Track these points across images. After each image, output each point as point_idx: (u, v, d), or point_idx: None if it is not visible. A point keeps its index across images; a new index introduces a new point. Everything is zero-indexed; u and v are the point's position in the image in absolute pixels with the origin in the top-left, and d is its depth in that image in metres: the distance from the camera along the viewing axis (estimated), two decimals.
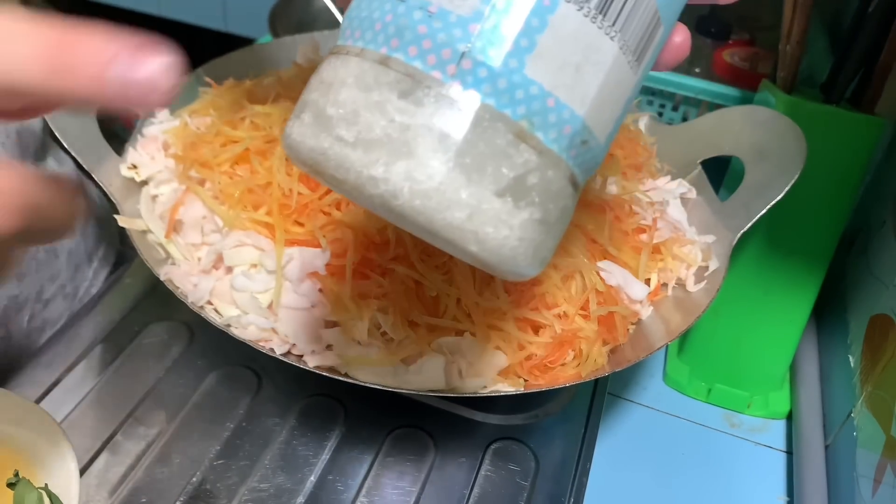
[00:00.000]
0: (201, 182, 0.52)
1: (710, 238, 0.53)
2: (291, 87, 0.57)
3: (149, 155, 0.55)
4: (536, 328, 0.46)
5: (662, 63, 0.31)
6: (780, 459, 0.59)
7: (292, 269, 0.46)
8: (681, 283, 0.53)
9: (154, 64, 0.23)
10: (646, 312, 0.51)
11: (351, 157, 0.25)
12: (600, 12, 0.26)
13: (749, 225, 0.50)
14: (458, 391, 0.45)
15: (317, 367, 0.44)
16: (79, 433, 0.52)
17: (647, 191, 0.57)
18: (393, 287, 0.46)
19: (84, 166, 0.49)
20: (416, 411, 0.56)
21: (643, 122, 0.64)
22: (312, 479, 0.51)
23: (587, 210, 0.52)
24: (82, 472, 0.49)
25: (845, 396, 0.55)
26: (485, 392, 0.45)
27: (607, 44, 0.26)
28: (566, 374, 0.46)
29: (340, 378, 0.44)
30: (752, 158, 0.53)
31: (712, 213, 0.55)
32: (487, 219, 0.25)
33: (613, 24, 0.26)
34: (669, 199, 0.57)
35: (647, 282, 0.52)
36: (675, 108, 0.76)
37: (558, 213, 0.27)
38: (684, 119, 0.76)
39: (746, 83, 0.72)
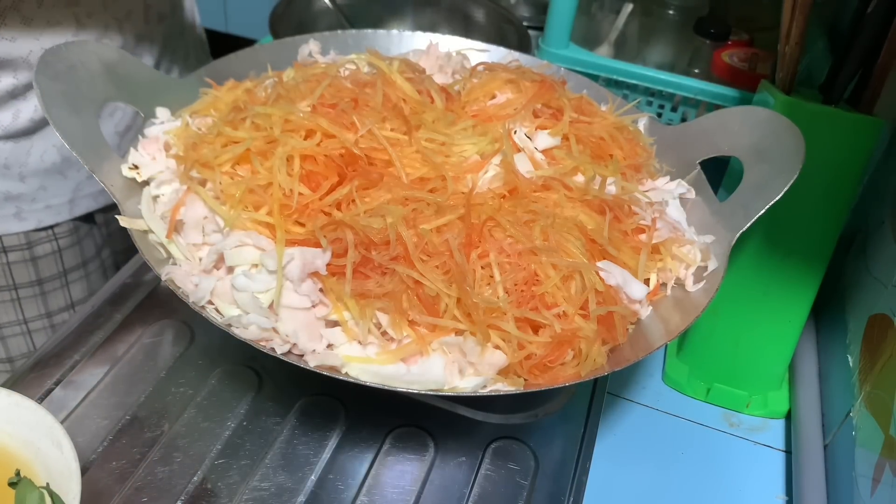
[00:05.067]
0: (202, 182, 0.52)
1: (708, 238, 0.53)
2: (292, 88, 0.57)
3: (150, 155, 0.55)
4: (536, 328, 0.46)
5: None
6: (779, 459, 0.59)
7: (293, 269, 0.46)
8: (680, 283, 0.53)
9: None
10: (645, 312, 0.51)
11: None
12: None
13: (748, 225, 0.50)
14: (458, 391, 0.45)
15: (317, 367, 0.44)
16: (80, 433, 0.52)
17: (647, 191, 0.57)
18: (393, 287, 0.46)
19: (86, 166, 0.49)
20: (416, 411, 0.56)
21: (642, 123, 0.64)
22: (313, 478, 0.52)
23: (587, 210, 0.52)
24: (83, 471, 0.49)
25: (844, 396, 0.56)
26: (484, 391, 0.46)
27: None
28: (566, 374, 0.46)
29: (341, 377, 0.44)
30: (751, 159, 0.53)
31: (711, 213, 0.55)
32: None
33: None
34: (668, 199, 0.57)
35: (647, 282, 0.52)
36: (674, 109, 0.76)
37: None
38: (683, 119, 0.76)
39: (745, 84, 0.73)
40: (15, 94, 0.66)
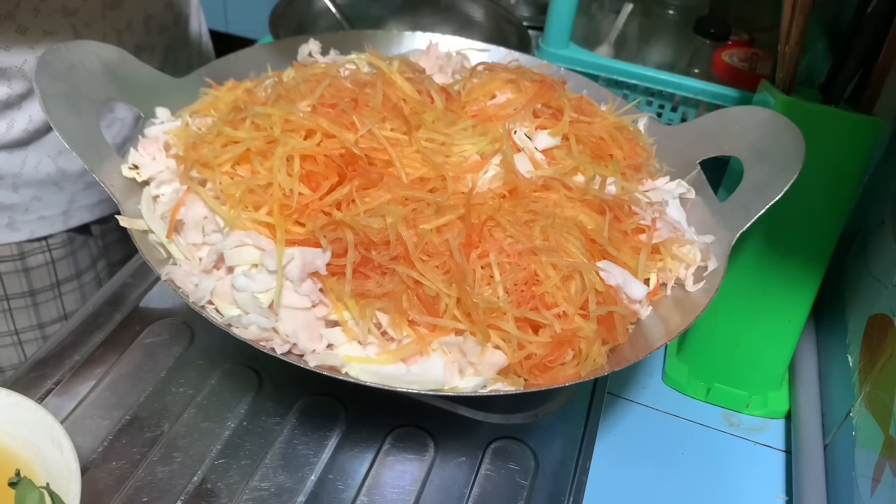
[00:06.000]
0: (202, 182, 0.52)
1: (708, 238, 0.53)
2: (292, 88, 0.57)
3: (150, 155, 0.55)
4: (536, 328, 0.46)
5: None
6: (779, 459, 0.59)
7: (293, 269, 0.46)
8: (680, 283, 0.53)
9: None
10: (645, 312, 0.51)
11: None
12: None
13: (748, 225, 0.50)
14: (458, 391, 0.45)
15: (317, 367, 0.44)
16: (80, 433, 0.52)
17: (647, 191, 0.57)
18: (393, 287, 0.46)
19: (86, 166, 0.49)
20: (416, 411, 0.56)
21: (642, 123, 0.64)
22: (313, 478, 0.52)
23: (587, 210, 0.52)
24: (83, 471, 0.49)
25: (844, 396, 0.56)
26: (484, 391, 0.46)
27: None
28: (566, 374, 0.46)
29: (341, 378, 0.44)
30: (751, 159, 0.53)
31: (711, 213, 0.55)
32: None
33: None
34: (669, 199, 0.57)
35: (647, 282, 0.52)
36: (674, 109, 0.76)
37: None
38: (683, 119, 0.76)
39: (745, 84, 0.73)
40: (9, 104, 0.65)
